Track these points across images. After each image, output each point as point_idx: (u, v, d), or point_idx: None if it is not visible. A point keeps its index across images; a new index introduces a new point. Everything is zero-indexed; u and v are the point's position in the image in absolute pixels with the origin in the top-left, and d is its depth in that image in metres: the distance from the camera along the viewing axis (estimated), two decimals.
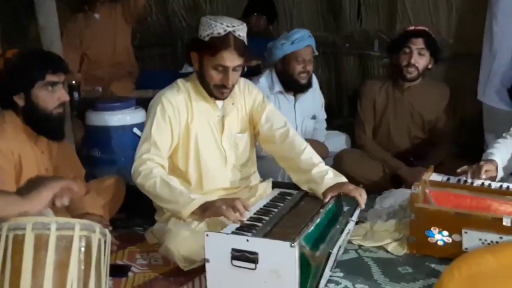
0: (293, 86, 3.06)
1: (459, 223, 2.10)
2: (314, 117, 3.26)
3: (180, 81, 2.30)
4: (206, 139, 2.28)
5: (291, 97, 3.12)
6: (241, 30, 2.14)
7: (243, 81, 2.41)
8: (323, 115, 3.36)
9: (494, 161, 2.39)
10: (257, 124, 2.39)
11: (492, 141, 2.61)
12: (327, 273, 1.94)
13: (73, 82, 3.54)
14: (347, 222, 2.05)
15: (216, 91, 2.21)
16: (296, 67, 2.99)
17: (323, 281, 1.89)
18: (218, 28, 2.10)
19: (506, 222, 2.02)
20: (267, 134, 2.36)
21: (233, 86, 2.22)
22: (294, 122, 3.09)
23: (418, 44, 2.86)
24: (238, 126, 2.37)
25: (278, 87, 3.07)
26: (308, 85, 3.08)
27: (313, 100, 3.25)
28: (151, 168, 2.11)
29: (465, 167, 2.41)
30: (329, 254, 1.81)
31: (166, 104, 2.20)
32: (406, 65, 2.88)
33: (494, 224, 2.04)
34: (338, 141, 3.33)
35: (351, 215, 2.11)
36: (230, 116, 2.33)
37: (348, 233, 2.08)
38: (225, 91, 2.21)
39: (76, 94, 3.46)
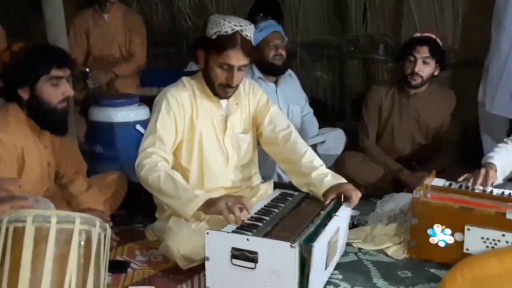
0: (271, 69, 3.26)
1: (462, 219, 2.10)
2: (298, 105, 3.42)
3: (185, 79, 2.30)
4: (209, 137, 2.28)
5: (272, 84, 3.28)
6: (248, 30, 2.14)
7: (248, 82, 2.42)
8: (308, 109, 3.51)
9: (494, 164, 2.38)
10: (260, 125, 2.39)
11: (493, 146, 2.61)
12: (323, 273, 1.94)
13: (87, 69, 3.54)
14: (330, 217, 2.00)
15: (221, 90, 2.21)
16: (269, 52, 3.20)
17: (318, 283, 1.89)
18: (226, 26, 2.11)
19: (509, 216, 2.02)
20: (269, 136, 2.36)
21: (237, 86, 2.23)
22: (279, 108, 3.12)
23: (422, 52, 2.84)
24: (241, 127, 2.37)
25: (257, 73, 3.25)
26: (284, 67, 3.28)
27: (294, 89, 3.45)
28: (156, 162, 2.10)
29: (466, 175, 2.41)
30: (311, 248, 1.76)
31: (171, 100, 2.20)
32: (410, 73, 2.88)
33: (498, 219, 2.04)
34: (332, 136, 3.42)
35: (335, 211, 2.07)
36: (234, 116, 2.33)
37: (337, 230, 2.03)
38: (229, 90, 2.21)
39: (90, 82, 3.47)
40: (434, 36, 2.92)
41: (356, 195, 2.14)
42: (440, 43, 2.92)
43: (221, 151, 2.32)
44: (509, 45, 3.00)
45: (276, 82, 3.30)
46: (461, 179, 2.40)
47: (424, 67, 2.86)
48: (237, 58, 2.12)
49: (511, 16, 2.97)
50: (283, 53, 3.23)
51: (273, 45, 3.19)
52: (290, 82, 3.41)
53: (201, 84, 2.27)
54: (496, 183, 2.38)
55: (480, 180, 2.33)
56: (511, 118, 3.17)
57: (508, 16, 2.98)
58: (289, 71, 3.42)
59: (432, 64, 2.88)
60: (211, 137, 2.29)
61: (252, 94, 2.39)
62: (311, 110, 3.51)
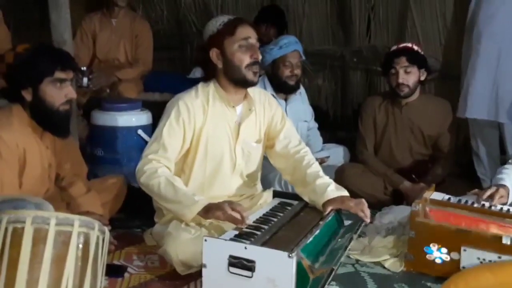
0: (283, 88, 3.21)
1: (459, 240, 2.09)
2: (305, 122, 3.39)
3: (200, 85, 2.29)
4: (218, 144, 2.27)
5: (282, 101, 3.23)
6: None
7: (263, 92, 2.46)
8: (314, 124, 3.48)
9: (506, 186, 2.39)
10: (274, 138, 2.39)
11: (500, 167, 2.61)
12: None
13: (84, 68, 3.54)
14: (351, 239, 2.06)
15: (249, 72, 2.20)
16: (284, 71, 3.16)
17: None
18: (225, 17, 2.25)
19: (505, 240, 2.02)
20: (281, 151, 2.37)
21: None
22: None
23: (401, 63, 2.90)
24: (254, 136, 2.37)
25: (270, 90, 3.19)
26: (296, 86, 3.24)
27: (303, 106, 3.40)
28: (156, 168, 2.10)
29: (475, 190, 2.42)
30: (332, 270, 1.80)
31: (182, 107, 2.20)
32: (396, 85, 2.93)
33: (494, 242, 2.04)
34: (336, 153, 3.39)
35: (356, 232, 2.12)
36: (247, 123, 2.32)
37: (349, 248, 2.09)
38: (257, 69, 2.22)
39: (85, 80, 3.47)
40: (410, 45, 2.98)
41: (362, 210, 2.14)
42: (419, 50, 2.97)
43: (229, 158, 2.31)
44: (498, 50, 3.02)
45: (286, 100, 3.26)
46: (469, 193, 2.42)
47: (407, 76, 2.91)
48: (250, 31, 2.21)
49: (500, 21, 3.01)
50: (298, 72, 3.18)
51: (289, 64, 3.14)
52: (300, 99, 3.37)
53: (216, 90, 2.27)
54: (508, 203, 2.38)
55: (487, 195, 2.34)
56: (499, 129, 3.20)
57: (496, 21, 3.01)
58: (300, 88, 3.37)
59: (415, 71, 2.92)
60: (221, 143, 2.27)
61: (268, 104, 2.40)
62: (316, 125, 3.49)
